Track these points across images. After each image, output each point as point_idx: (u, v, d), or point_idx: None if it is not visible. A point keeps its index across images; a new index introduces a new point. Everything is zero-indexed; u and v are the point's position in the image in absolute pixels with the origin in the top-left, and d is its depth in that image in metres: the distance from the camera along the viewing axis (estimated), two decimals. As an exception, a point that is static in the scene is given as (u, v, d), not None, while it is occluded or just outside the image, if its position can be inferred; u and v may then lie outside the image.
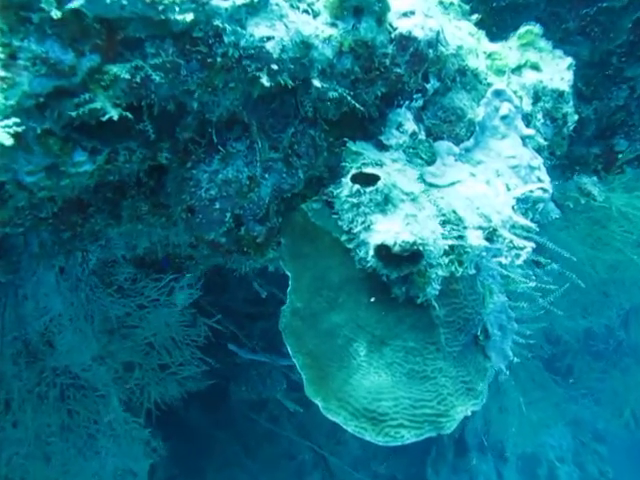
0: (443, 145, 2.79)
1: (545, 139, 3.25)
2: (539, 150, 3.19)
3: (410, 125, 2.76)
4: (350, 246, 2.48)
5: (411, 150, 2.76)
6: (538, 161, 3.03)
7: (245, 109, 2.48)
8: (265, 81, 2.20)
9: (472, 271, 2.56)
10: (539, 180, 3.01)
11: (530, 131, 3.03)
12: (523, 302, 2.88)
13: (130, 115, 2.09)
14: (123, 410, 3.98)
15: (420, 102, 2.78)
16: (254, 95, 2.36)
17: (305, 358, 2.61)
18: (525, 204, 2.93)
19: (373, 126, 2.80)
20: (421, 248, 2.23)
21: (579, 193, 3.54)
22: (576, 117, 3.30)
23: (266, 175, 2.59)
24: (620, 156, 4.07)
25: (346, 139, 2.64)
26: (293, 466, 7.17)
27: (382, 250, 2.28)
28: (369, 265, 2.35)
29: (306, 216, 2.71)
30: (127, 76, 2.01)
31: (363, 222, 2.33)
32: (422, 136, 2.80)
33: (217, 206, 2.50)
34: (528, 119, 3.17)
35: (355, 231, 2.36)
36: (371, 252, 2.27)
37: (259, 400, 6.53)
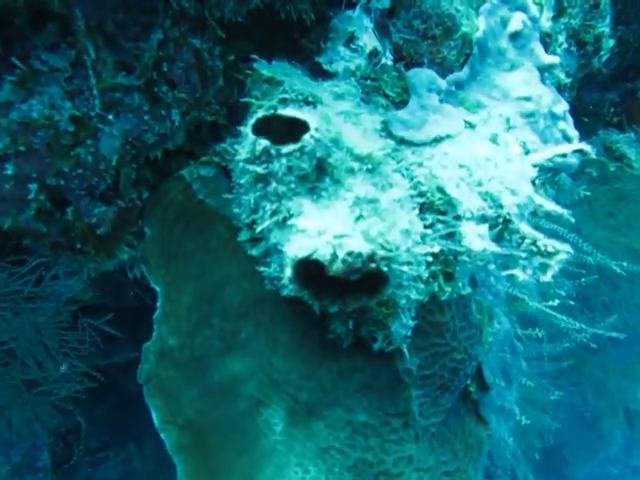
0: (422, 75, 1.70)
1: (568, 74, 2.18)
2: (559, 90, 2.12)
3: (369, 39, 1.67)
4: (253, 253, 1.37)
5: (369, 82, 1.66)
6: (563, 107, 1.97)
7: (65, -8, 1.32)
8: None
9: (467, 290, 1.50)
10: (564, 137, 1.95)
11: (553, 59, 1.96)
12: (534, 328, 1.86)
13: None
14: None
15: (386, 1, 1.66)
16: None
17: (181, 434, 1.54)
18: (543, 174, 1.87)
19: (307, 39, 1.68)
20: (385, 267, 1.14)
21: (607, 156, 2.51)
22: (612, 43, 2.23)
23: (110, 116, 1.44)
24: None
25: (255, 57, 1.51)
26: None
27: (310, 266, 1.18)
28: (286, 292, 1.25)
29: (188, 190, 1.60)
30: None
31: (275, 212, 1.22)
32: (388, 59, 1.70)
33: (9, 171, 1.35)
34: (546, 41, 2.08)
35: (261, 227, 1.25)
36: (289, 272, 1.16)
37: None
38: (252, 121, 1.24)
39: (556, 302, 1.76)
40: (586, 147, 1.71)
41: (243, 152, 1.25)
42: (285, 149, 1.18)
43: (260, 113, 1.27)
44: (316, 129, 1.20)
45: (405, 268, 1.18)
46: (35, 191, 1.40)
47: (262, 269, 1.34)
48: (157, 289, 1.60)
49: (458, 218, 1.47)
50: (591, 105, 3.12)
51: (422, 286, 1.41)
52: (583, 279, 1.92)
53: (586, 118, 3.11)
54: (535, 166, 1.68)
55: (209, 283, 1.58)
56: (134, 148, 1.51)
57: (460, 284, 1.49)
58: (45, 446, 3.83)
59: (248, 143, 1.22)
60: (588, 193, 2.02)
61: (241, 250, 1.50)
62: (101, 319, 2.74)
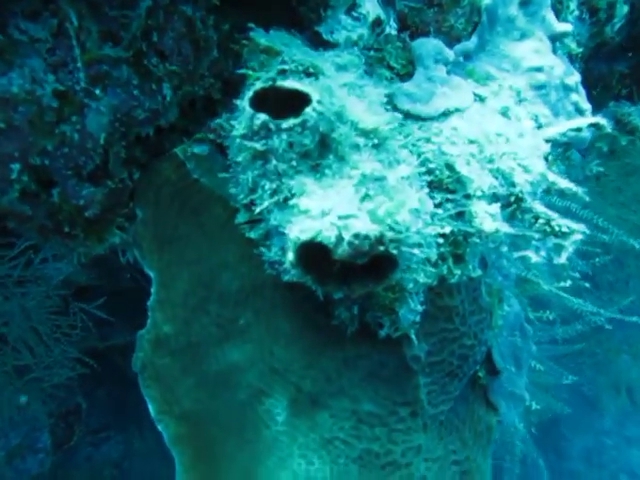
0: (428, 45, 1.60)
1: (579, 44, 2.08)
2: (570, 60, 2.03)
3: (371, 7, 1.57)
4: (252, 236, 1.29)
5: (372, 52, 1.56)
6: (575, 78, 1.88)
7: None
8: None
9: (477, 272, 1.42)
10: (577, 109, 1.86)
11: (565, 26, 1.85)
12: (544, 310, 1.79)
13: None
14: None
15: (390, -35, 1.57)
16: None
17: (178, 424, 1.47)
18: (555, 150, 1.78)
19: (306, 7, 1.58)
20: (394, 250, 1.06)
21: (618, 129, 2.42)
22: (627, 9, 2.13)
23: (97, 91, 1.35)
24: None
25: (252, 26, 1.41)
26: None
27: (313, 249, 1.10)
28: (287, 277, 1.17)
29: (182, 169, 1.51)
30: None
31: (275, 192, 1.14)
32: (392, 29, 1.61)
33: (-10, 151, 1.26)
34: (557, 8, 1.98)
35: (260, 208, 1.17)
36: (291, 255, 1.08)
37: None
38: (249, 94, 1.15)
39: (568, 283, 1.68)
40: (602, 120, 1.62)
41: (240, 127, 1.15)
42: (285, 124, 1.09)
43: (258, 85, 1.18)
44: (318, 102, 1.11)
45: (415, 251, 1.10)
46: (18, 171, 1.30)
47: (262, 252, 1.26)
48: (151, 274, 1.52)
49: (468, 197, 1.38)
50: (599, 78, 3.02)
51: (431, 269, 1.33)
52: (597, 259, 1.84)
53: (594, 91, 3.01)
54: (548, 141, 1.60)
55: (205, 268, 1.49)
56: (123, 125, 1.41)
57: (470, 266, 1.41)
58: (45, 427, 3.78)
59: (245, 118, 1.13)
60: (601, 169, 1.93)
61: (239, 233, 1.41)
62: (97, 301, 2.66)
